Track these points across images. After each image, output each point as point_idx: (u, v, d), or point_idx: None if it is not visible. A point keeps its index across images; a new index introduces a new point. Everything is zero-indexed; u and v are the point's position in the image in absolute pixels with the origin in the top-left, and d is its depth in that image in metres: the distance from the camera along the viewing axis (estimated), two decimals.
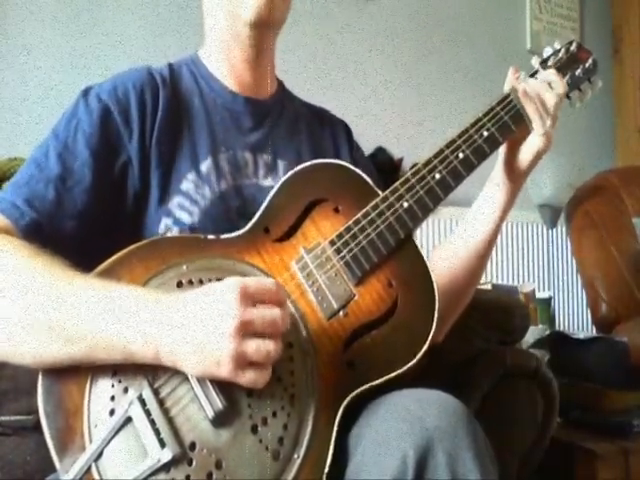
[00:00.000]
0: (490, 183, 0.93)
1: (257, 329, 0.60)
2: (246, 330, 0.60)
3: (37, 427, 0.81)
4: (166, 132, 0.84)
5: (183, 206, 0.82)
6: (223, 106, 0.91)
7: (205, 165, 0.85)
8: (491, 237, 0.91)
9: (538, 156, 0.89)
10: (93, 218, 0.78)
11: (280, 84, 1.01)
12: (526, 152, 0.89)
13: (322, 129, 1.00)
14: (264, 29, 0.88)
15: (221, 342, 0.59)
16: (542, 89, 0.88)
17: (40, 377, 0.65)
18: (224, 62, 0.92)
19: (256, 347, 0.60)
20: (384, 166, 2.05)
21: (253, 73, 0.93)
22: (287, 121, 0.96)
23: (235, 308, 0.60)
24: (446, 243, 0.96)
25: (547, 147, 0.88)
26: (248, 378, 0.61)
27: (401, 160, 2.10)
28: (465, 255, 0.91)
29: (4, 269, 0.66)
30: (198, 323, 0.61)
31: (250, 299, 0.61)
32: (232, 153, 0.88)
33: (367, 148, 1.09)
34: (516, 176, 0.90)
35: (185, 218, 0.81)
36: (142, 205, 0.82)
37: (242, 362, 0.60)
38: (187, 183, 0.83)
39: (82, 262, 0.69)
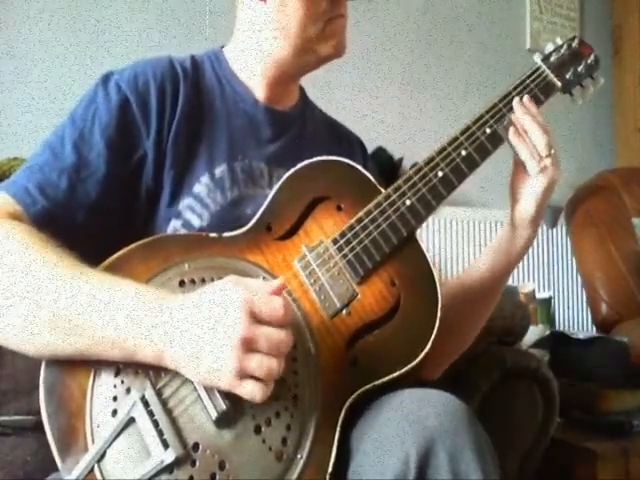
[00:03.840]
0: (503, 235, 0.88)
1: (261, 347, 0.60)
2: (249, 346, 0.59)
3: (37, 427, 0.81)
4: (184, 130, 0.82)
5: (193, 209, 0.81)
6: (244, 111, 0.89)
7: (220, 170, 0.84)
8: (498, 284, 0.89)
9: (543, 196, 0.83)
10: (105, 211, 0.77)
11: (302, 92, 0.99)
12: (528, 196, 0.83)
13: (339, 145, 0.99)
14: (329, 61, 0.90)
15: (223, 353, 0.59)
16: (531, 128, 0.83)
17: (42, 377, 0.65)
18: (257, 74, 0.90)
19: (258, 363, 0.59)
20: (384, 166, 2.05)
21: (284, 88, 0.93)
22: (306, 135, 0.94)
23: (240, 323, 0.59)
24: (454, 283, 0.92)
25: (551, 182, 0.82)
26: (248, 390, 0.60)
27: (401, 160, 2.10)
28: (469, 304, 0.89)
29: (15, 257, 0.66)
30: (202, 331, 0.60)
31: (256, 315, 0.60)
32: (248, 162, 0.87)
33: (367, 148, 1.09)
34: (525, 224, 0.84)
35: (194, 221, 0.80)
36: (153, 203, 0.81)
37: (243, 375, 0.59)
38: (200, 186, 0.82)
39: (90, 255, 0.69)
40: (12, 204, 0.72)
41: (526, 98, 0.85)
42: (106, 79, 0.82)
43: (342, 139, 1.01)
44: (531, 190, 0.83)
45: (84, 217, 0.75)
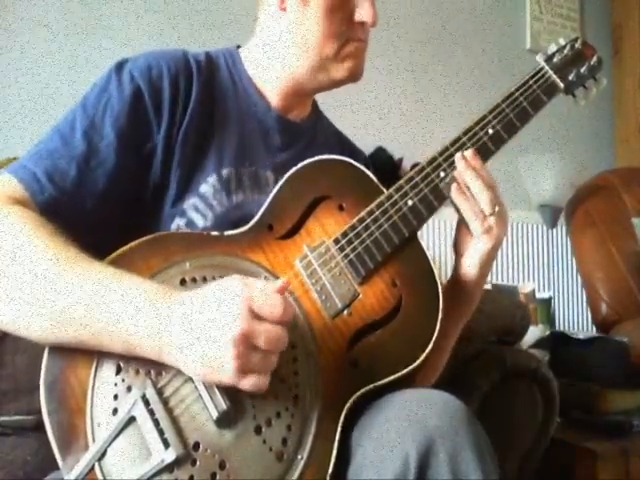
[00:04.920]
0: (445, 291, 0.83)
1: (259, 343, 0.60)
2: (249, 341, 0.59)
3: (37, 427, 0.81)
4: (194, 129, 0.81)
5: (198, 208, 0.81)
6: (255, 116, 0.89)
7: (227, 172, 0.83)
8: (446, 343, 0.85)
9: (487, 257, 0.80)
10: (111, 202, 0.77)
11: (314, 105, 0.99)
12: (472, 257, 0.81)
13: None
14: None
15: (224, 350, 0.59)
16: (473, 184, 0.79)
17: (42, 375, 0.64)
18: (272, 82, 0.89)
19: (257, 359, 0.60)
20: (384, 166, 2.05)
21: (298, 100, 0.92)
22: (315, 148, 0.93)
23: (240, 319, 0.59)
24: None
25: (497, 242, 0.79)
26: (250, 384, 0.60)
27: (401, 160, 2.10)
28: None
29: (20, 246, 0.66)
30: (203, 327, 0.60)
31: (256, 312, 0.60)
32: (254, 170, 0.86)
33: (367, 148, 1.08)
34: (469, 285, 0.82)
35: (198, 221, 0.80)
36: (159, 199, 0.80)
37: (244, 369, 0.59)
38: (206, 186, 0.82)
39: (93, 249, 0.68)
40: (19, 189, 0.72)
41: (468, 152, 0.81)
42: (120, 67, 0.81)
43: (346, 153, 1.00)
44: (475, 250, 0.80)
45: (90, 207, 0.75)
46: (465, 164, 0.80)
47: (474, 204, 0.79)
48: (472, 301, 0.85)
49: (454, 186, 0.80)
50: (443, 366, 0.89)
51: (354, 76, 0.89)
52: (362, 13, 0.84)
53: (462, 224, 0.82)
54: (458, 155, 0.81)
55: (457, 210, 0.81)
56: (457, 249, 0.84)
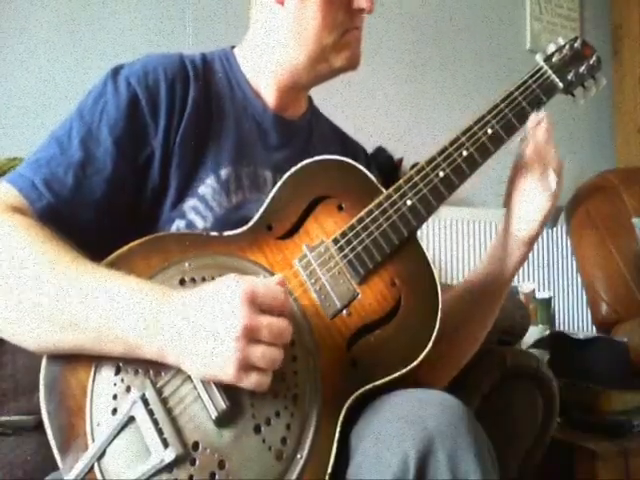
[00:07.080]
0: (494, 252, 0.87)
1: (262, 337, 0.60)
2: (251, 336, 0.59)
3: (37, 427, 0.81)
4: (192, 131, 0.82)
5: (198, 210, 0.81)
6: (252, 117, 0.89)
7: (225, 172, 0.84)
8: (496, 293, 0.88)
9: (547, 216, 0.82)
10: (109, 209, 0.77)
11: (309, 101, 0.99)
12: (533, 216, 0.82)
13: (345, 154, 0.96)
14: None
15: (226, 346, 0.59)
16: (547, 146, 0.82)
17: (42, 375, 0.65)
18: (269, 80, 0.90)
19: (261, 353, 0.60)
20: (384, 166, 2.05)
21: (294, 96, 0.92)
22: (313, 144, 0.94)
23: (242, 313, 0.59)
24: (460, 285, 0.91)
25: (554, 204, 0.82)
26: (252, 381, 0.60)
27: (401, 160, 2.10)
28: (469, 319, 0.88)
29: (18, 252, 0.66)
30: (204, 325, 0.60)
31: (258, 305, 0.60)
32: (253, 169, 0.87)
33: (367, 148, 1.08)
34: (522, 243, 0.84)
35: (198, 222, 0.80)
36: (158, 202, 0.81)
37: (246, 366, 0.59)
38: (205, 187, 0.82)
39: (92, 253, 0.69)
40: (17, 198, 0.72)
41: (543, 113, 0.84)
42: (115, 73, 0.81)
43: (347, 147, 1.01)
44: (538, 210, 0.82)
45: (88, 214, 0.75)
46: (543, 127, 0.82)
47: (545, 164, 0.81)
48: (521, 259, 0.85)
49: (530, 146, 0.82)
50: (468, 358, 0.91)
51: (353, 64, 0.89)
52: (359, 1, 0.85)
53: (518, 187, 0.84)
54: (533, 117, 0.83)
55: (527, 169, 0.82)
56: (513, 212, 0.84)
